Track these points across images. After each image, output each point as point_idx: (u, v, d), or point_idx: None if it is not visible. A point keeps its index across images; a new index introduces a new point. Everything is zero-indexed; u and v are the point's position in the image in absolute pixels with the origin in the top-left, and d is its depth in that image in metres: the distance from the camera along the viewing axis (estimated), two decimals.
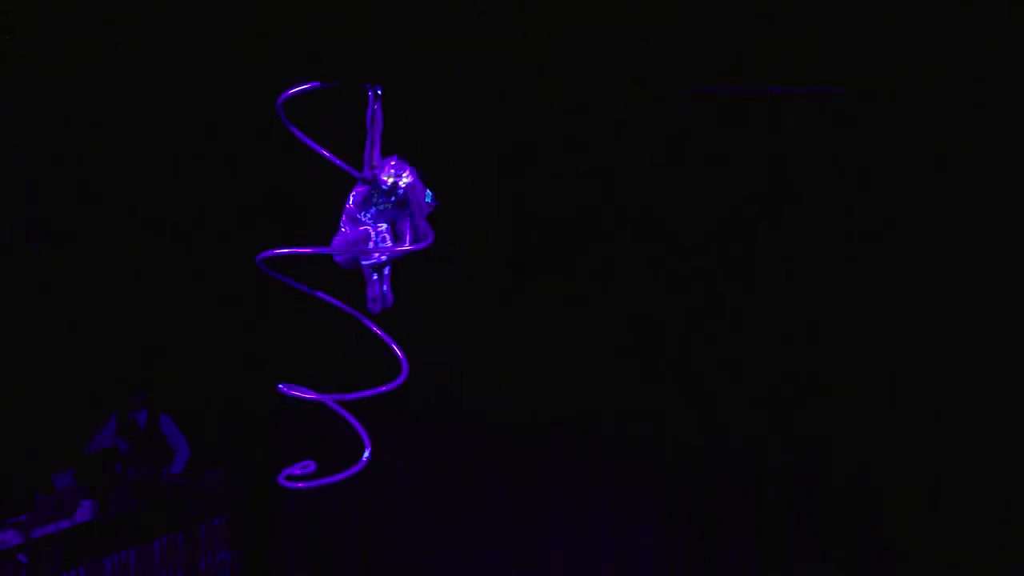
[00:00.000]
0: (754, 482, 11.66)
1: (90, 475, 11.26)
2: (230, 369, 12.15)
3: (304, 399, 6.44)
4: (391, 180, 6.23)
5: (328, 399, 6.39)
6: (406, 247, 6.20)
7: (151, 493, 11.35)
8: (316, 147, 6.27)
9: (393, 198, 6.23)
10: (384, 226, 6.22)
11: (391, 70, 10.93)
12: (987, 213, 11.09)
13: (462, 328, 12.02)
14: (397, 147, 6.56)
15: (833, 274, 11.44)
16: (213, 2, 11.39)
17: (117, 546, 10.53)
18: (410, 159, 6.46)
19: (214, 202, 12.22)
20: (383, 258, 6.18)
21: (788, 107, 11.40)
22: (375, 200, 6.25)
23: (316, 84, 6.34)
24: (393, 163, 6.32)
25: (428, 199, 6.33)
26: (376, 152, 6.40)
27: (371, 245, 6.18)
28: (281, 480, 6.49)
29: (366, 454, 6.37)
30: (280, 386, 6.43)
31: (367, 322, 6.39)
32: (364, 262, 6.20)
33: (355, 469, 6.33)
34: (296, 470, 6.50)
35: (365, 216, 6.25)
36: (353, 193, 6.36)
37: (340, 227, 6.34)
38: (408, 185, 6.23)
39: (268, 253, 6.14)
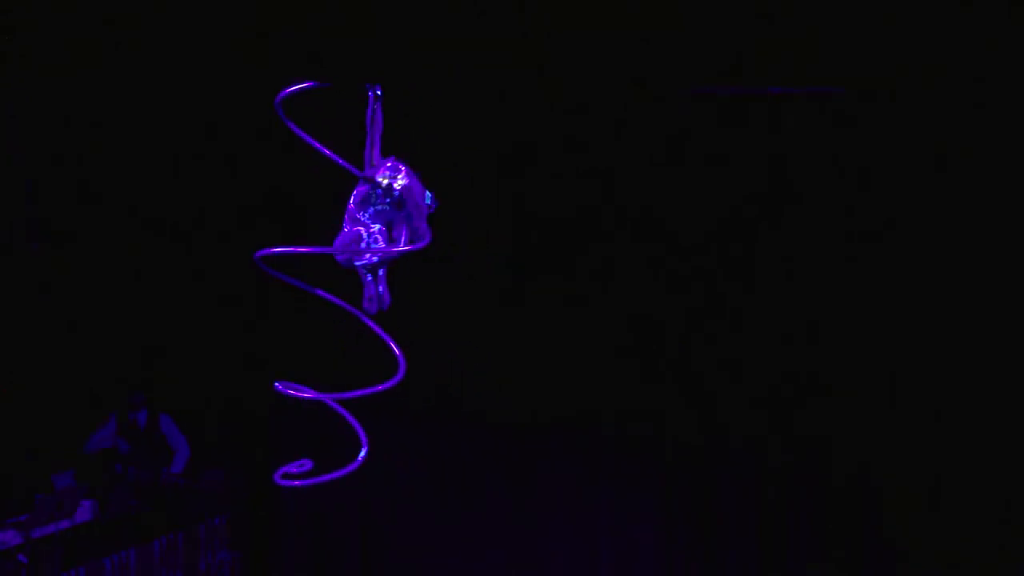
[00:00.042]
0: (754, 482, 11.66)
1: (90, 475, 11.27)
2: (230, 369, 12.15)
3: (301, 398, 6.44)
4: (385, 182, 6.23)
5: (324, 397, 6.39)
6: (397, 248, 6.19)
7: (151, 493, 11.36)
8: (315, 144, 6.26)
9: (388, 199, 6.22)
10: (377, 227, 6.21)
11: (391, 70, 10.93)
12: (987, 213, 11.08)
13: (462, 328, 12.02)
14: (397, 147, 6.56)
15: (833, 274, 11.44)
16: (213, 2, 11.39)
17: (117, 546, 10.54)
18: (410, 159, 6.45)
19: (214, 202, 12.22)
20: (375, 259, 6.18)
21: (788, 107, 11.40)
22: (373, 200, 6.25)
23: (311, 84, 6.33)
24: (388, 164, 6.31)
25: (428, 200, 6.32)
26: (376, 152, 6.40)
27: (363, 246, 6.18)
28: (277, 478, 6.49)
29: (362, 453, 6.36)
30: (277, 384, 6.42)
31: (367, 320, 6.39)
32: (357, 263, 6.20)
33: (351, 468, 6.33)
34: (293, 468, 6.50)
35: (364, 216, 6.25)
36: (354, 193, 6.36)
37: (343, 227, 6.35)
38: (404, 187, 6.23)
39: (266, 251, 6.14)
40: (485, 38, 11.24)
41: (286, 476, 6.47)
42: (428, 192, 6.32)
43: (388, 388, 6.40)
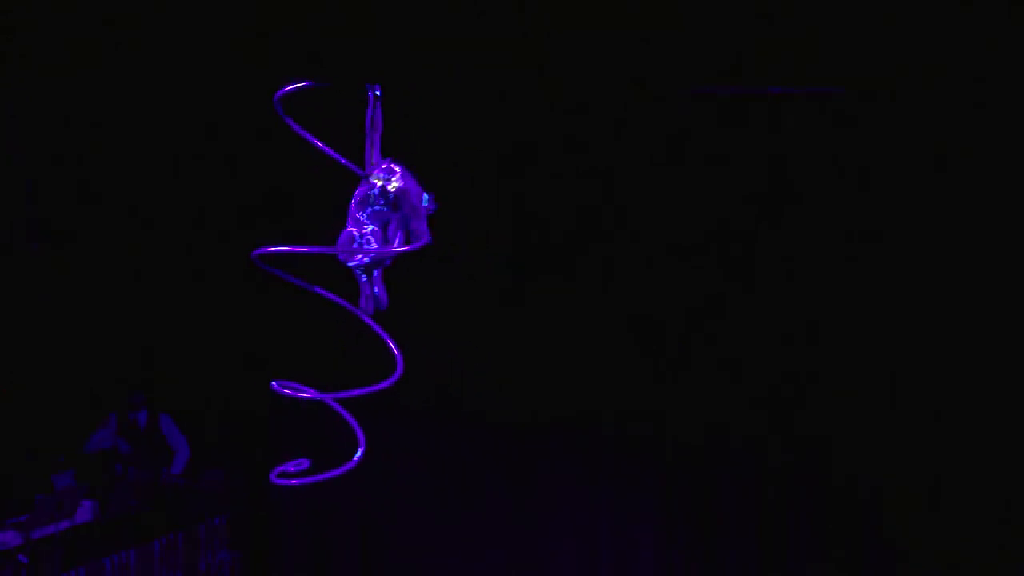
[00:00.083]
0: (754, 482, 11.66)
1: (90, 475, 11.27)
2: (230, 369, 12.15)
3: (298, 398, 6.44)
4: (380, 183, 6.22)
5: (321, 396, 6.38)
6: (388, 249, 6.18)
7: (151, 493, 11.35)
8: (314, 141, 6.27)
9: (383, 200, 6.22)
10: (370, 228, 6.20)
11: (391, 70, 10.93)
12: (987, 213, 11.08)
13: (462, 328, 12.02)
14: (397, 147, 6.55)
15: (833, 274, 11.44)
16: (213, 2, 11.39)
17: (117, 546, 10.53)
18: (410, 159, 6.44)
19: (214, 202, 12.22)
20: (366, 260, 6.17)
21: (788, 107, 11.40)
22: (371, 201, 6.25)
23: (308, 83, 6.34)
24: (384, 166, 6.30)
25: (425, 202, 6.31)
26: (376, 152, 6.39)
27: (355, 247, 6.17)
28: (273, 477, 6.48)
29: (359, 452, 6.36)
30: (273, 384, 6.42)
31: (366, 319, 6.38)
32: (349, 263, 6.20)
33: (347, 467, 6.32)
34: (290, 468, 6.50)
35: (363, 216, 6.24)
36: (355, 193, 6.36)
37: (347, 226, 6.35)
38: (399, 189, 6.22)
39: (263, 250, 6.14)
40: (485, 38, 11.24)
41: (282, 475, 6.47)
42: (426, 194, 6.31)
43: (385, 388, 6.40)
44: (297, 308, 11.38)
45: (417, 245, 6.20)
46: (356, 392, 6.33)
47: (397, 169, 6.27)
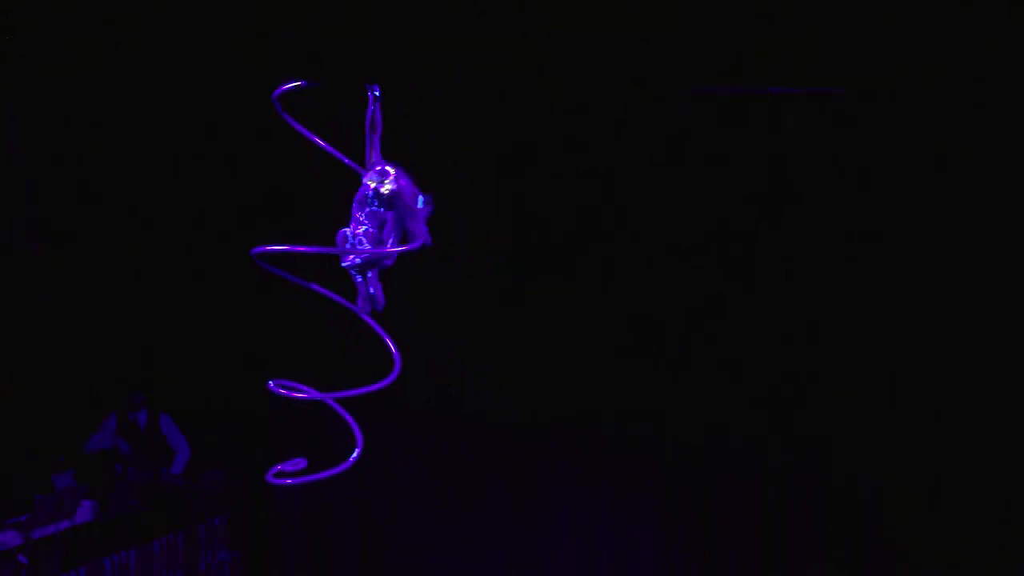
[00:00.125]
0: (754, 482, 11.66)
1: (90, 475, 11.27)
2: (230, 369, 12.14)
3: (295, 397, 6.43)
4: (374, 184, 6.22)
5: (318, 396, 6.38)
6: (380, 250, 6.17)
7: (151, 493, 11.35)
8: (314, 138, 6.27)
9: (377, 201, 6.22)
10: (364, 228, 6.20)
11: (391, 70, 10.93)
12: (987, 213, 11.08)
13: (462, 328, 12.02)
14: (397, 147, 6.55)
15: (833, 274, 11.44)
16: (213, 2, 11.39)
17: (117, 546, 10.53)
18: (410, 159, 6.44)
19: (214, 202, 12.22)
20: (358, 260, 6.17)
21: (788, 107, 11.40)
22: (369, 201, 6.25)
23: (304, 83, 6.33)
24: (379, 168, 6.30)
25: (421, 203, 6.30)
26: (376, 152, 6.39)
27: (347, 247, 6.17)
28: (269, 477, 6.48)
29: (356, 452, 6.35)
30: (269, 384, 6.41)
31: (366, 318, 6.38)
32: (343, 264, 6.20)
33: (344, 466, 6.32)
34: (287, 467, 6.49)
35: (362, 216, 6.24)
36: (356, 193, 6.36)
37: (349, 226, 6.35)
38: (393, 191, 6.21)
39: (261, 249, 6.14)
40: (485, 38, 11.25)
41: (279, 475, 6.46)
42: (423, 195, 6.30)
43: (383, 387, 6.39)
44: (297, 308, 11.39)
45: (411, 246, 6.19)
46: (352, 392, 6.32)
47: (391, 171, 6.27)
